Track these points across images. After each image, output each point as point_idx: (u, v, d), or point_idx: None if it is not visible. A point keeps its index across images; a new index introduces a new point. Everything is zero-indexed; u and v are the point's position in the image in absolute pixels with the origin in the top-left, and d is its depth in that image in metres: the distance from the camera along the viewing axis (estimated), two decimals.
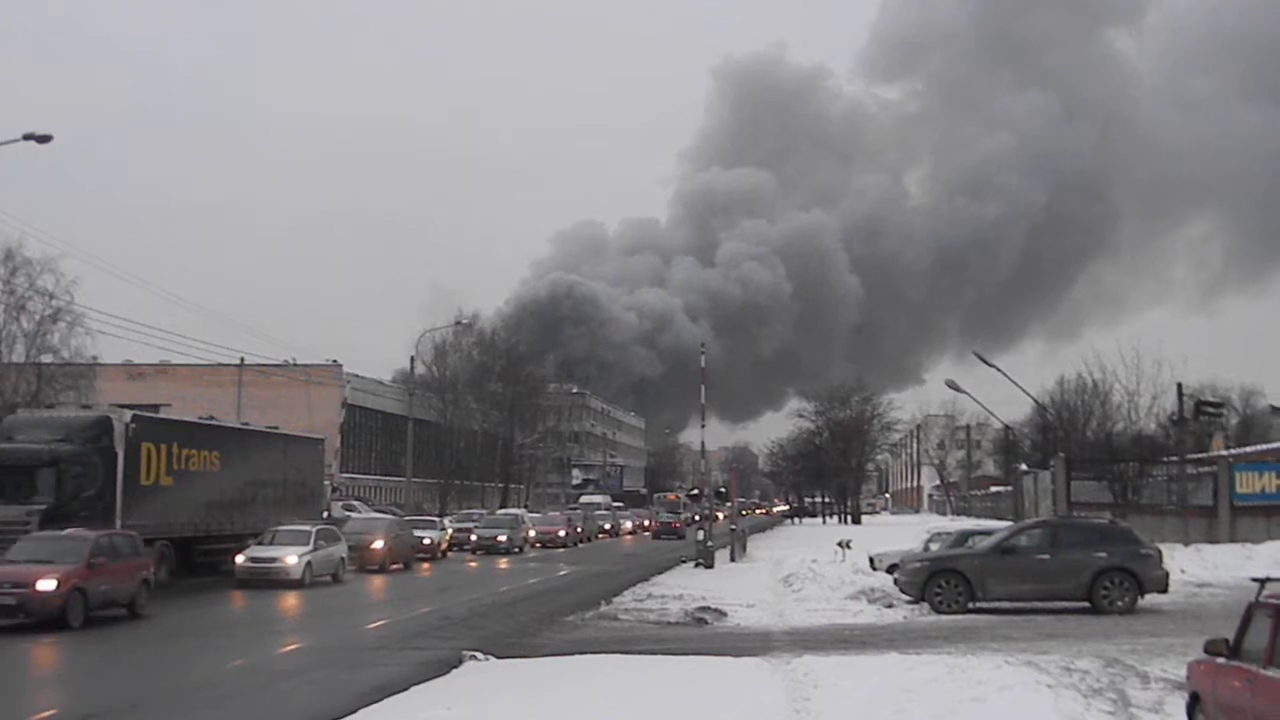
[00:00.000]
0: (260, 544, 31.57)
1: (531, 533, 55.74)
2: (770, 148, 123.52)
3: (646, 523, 79.25)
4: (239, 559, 30.91)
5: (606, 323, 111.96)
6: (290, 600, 27.61)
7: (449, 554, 46.10)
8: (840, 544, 35.14)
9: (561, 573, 37.28)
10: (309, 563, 30.80)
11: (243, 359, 67.00)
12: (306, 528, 32.30)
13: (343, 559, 33.10)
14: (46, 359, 47.17)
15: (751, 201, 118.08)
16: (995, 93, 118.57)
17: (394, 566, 37.29)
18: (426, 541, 43.01)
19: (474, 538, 49.31)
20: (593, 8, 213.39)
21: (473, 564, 42.51)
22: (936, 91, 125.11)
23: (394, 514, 56.97)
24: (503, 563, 43.15)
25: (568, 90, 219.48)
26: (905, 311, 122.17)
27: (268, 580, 29.94)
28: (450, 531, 49.30)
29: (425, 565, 40.11)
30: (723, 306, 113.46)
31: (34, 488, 27.79)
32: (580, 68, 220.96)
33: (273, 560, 30.51)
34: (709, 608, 23.67)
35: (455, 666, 16.14)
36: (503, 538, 49.25)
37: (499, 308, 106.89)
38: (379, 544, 37.04)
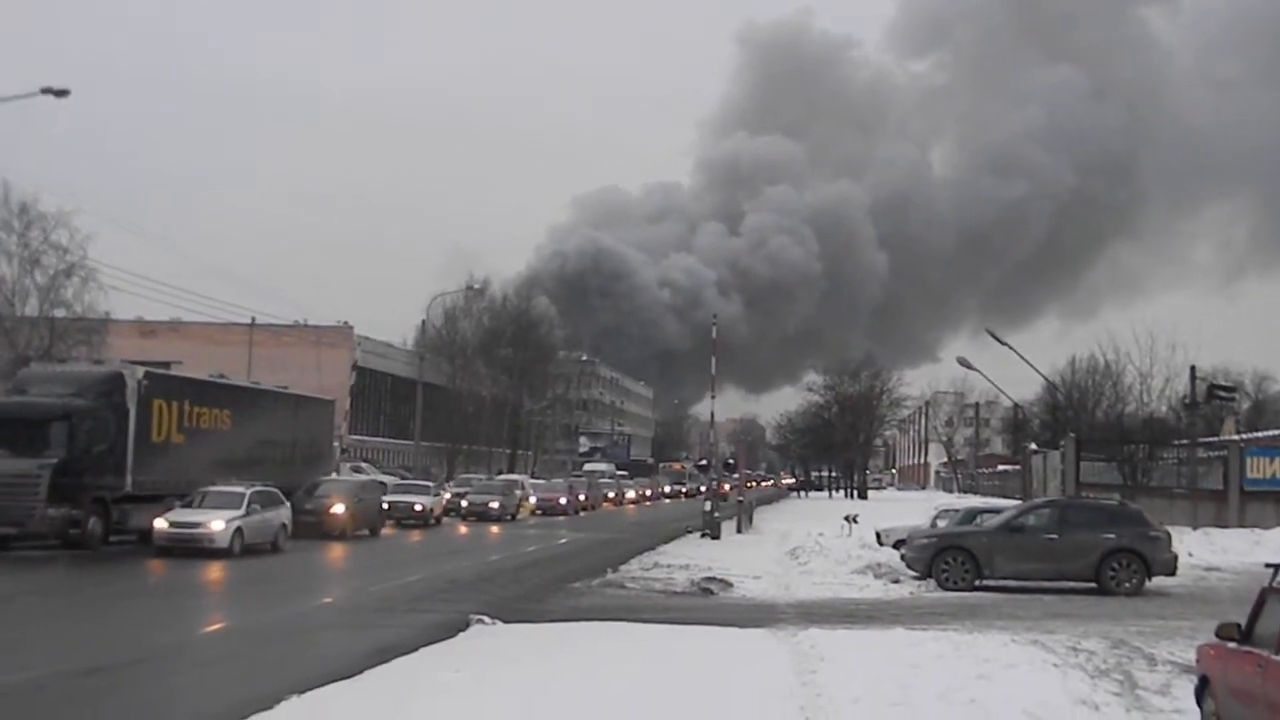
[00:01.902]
0: (187, 506, 28.75)
1: (532, 499, 54.82)
2: (793, 116, 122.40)
3: (649, 492, 79.29)
4: (158, 522, 27.95)
5: (635, 291, 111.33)
6: (206, 573, 24.60)
7: (443, 520, 44.45)
8: (847, 518, 35.21)
9: (561, 541, 37.06)
10: (239, 529, 27.86)
11: (254, 319, 67.33)
12: (240, 489, 29.13)
13: (284, 525, 30.28)
14: (59, 314, 47.22)
15: (778, 170, 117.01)
16: (1024, 68, 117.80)
17: (360, 533, 35.23)
18: (418, 507, 41.58)
19: (465, 504, 47.68)
20: None
21: (463, 530, 41.95)
22: (963, 64, 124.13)
23: (403, 475, 57.22)
24: (495, 530, 42.30)
25: (584, 55, 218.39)
26: (925, 289, 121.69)
27: (190, 549, 27.03)
28: (447, 497, 47.97)
29: (416, 533, 38.95)
30: (750, 281, 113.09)
31: (46, 442, 27.88)
32: (597, 32, 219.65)
33: (195, 526, 27.57)
34: (715, 578, 23.72)
35: (462, 630, 16.17)
36: (495, 504, 47.50)
37: (519, 271, 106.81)
38: (339, 508, 34.61)
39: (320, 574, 26.82)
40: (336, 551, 31.10)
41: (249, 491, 29.12)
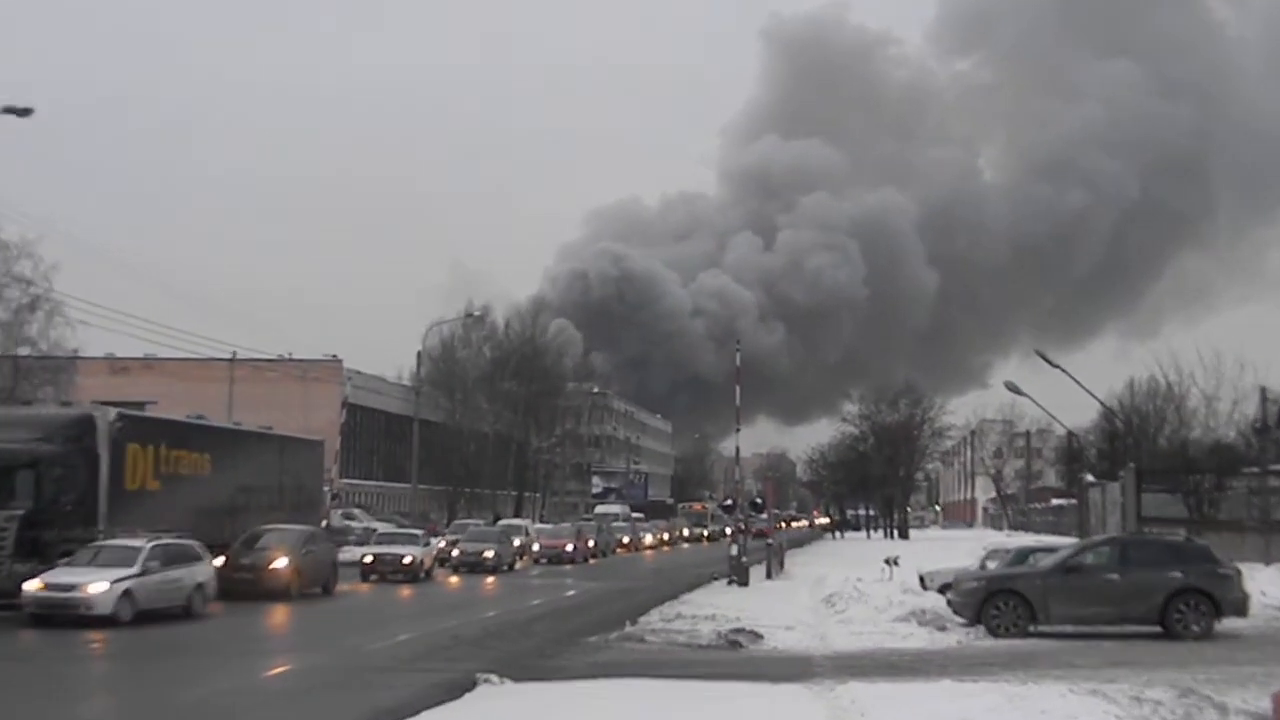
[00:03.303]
0: (71, 563, 25.99)
1: (536, 546, 54.32)
2: (825, 119, 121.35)
3: (668, 535, 79.02)
4: (30, 585, 25.11)
5: (662, 317, 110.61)
6: (84, 645, 22.27)
7: (435, 573, 42.88)
8: (887, 561, 35.14)
9: (569, 593, 36.83)
10: (127, 591, 24.88)
11: (235, 353, 67.41)
12: (137, 543, 26.36)
13: (202, 585, 27.57)
14: (23, 351, 47.49)
15: (813, 178, 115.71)
16: (1078, 63, 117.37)
17: (310, 591, 32.79)
18: (407, 560, 40.14)
19: (455, 553, 46.22)
20: None
21: (456, 583, 41.09)
22: (1011, 60, 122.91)
23: (398, 522, 57.30)
24: (491, 582, 41.51)
25: (592, 56, 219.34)
26: (975, 308, 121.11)
27: (66, 616, 24.34)
28: (440, 545, 46.93)
29: (405, 588, 37.94)
30: (790, 308, 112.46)
31: (11, 491, 27.97)
32: (606, 29, 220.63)
33: (70, 589, 24.64)
34: (744, 629, 23.71)
35: (469, 690, 16.23)
36: (490, 553, 46.07)
37: (530, 294, 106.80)
38: (281, 563, 31.93)
39: (253, 640, 24.89)
40: (278, 615, 28.98)
41: (148, 546, 26.29)
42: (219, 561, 30.42)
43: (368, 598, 35.23)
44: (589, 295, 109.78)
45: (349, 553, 42.67)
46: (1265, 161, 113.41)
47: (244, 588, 30.90)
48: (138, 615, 25.06)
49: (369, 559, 40.19)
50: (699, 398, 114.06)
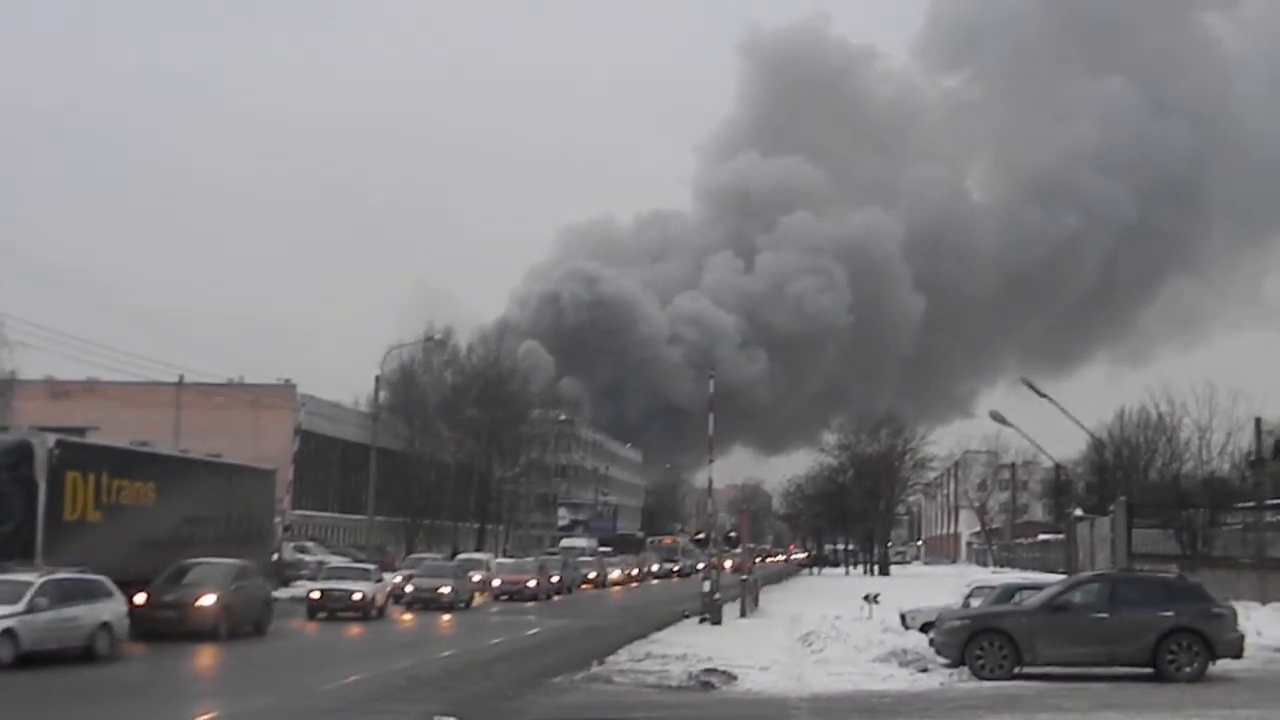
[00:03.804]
0: None
1: (495, 582, 54.02)
2: (805, 137, 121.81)
3: (636, 571, 78.80)
4: None
5: (637, 344, 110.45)
6: None
7: (389, 610, 42.30)
8: (867, 598, 35.12)
9: (531, 631, 36.49)
10: (7, 631, 23.70)
11: (181, 377, 67.16)
12: (26, 578, 25.19)
13: (107, 624, 26.12)
14: None
15: (794, 197, 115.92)
16: (1069, 81, 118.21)
17: (242, 630, 31.57)
18: (358, 596, 39.27)
19: (409, 589, 45.77)
20: None
21: (410, 621, 40.55)
22: (1000, 77, 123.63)
23: (354, 556, 57.03)
24: (447, 620, 41.04)
25: (561, 68, 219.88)
26: (961, 334, 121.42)
27: None
28: (395, 581, 46.62)
29: (354, 626, 37.26)
30: (771, 335, 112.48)
31: None
32: (575, 43, 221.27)
33: None
34: (717, 670, 23.61)
35: None
36: (445, 589, 45.44)
37: (498, 315, 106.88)
38: (208, 600, 30.82)
39: (172, 684, 23.86)
40: (205, 656, 27.83)
41: (39, 580, 25.04)
42: (140, 598, 29.85)
43: (314, 636, 34.79)
44: (561, 320, 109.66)
45: (302, 587, 42.34)
46: (1261, 185, 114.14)
47: (167, 627, 29.96)
48: (24, 657, 23.77)
49: (316, 595, 39.48)
50: (675, 426, 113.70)
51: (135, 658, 26.78)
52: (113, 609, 26.70)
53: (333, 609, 38.96)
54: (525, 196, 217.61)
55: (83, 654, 25.23)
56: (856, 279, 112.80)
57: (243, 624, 31.81)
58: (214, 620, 30.58)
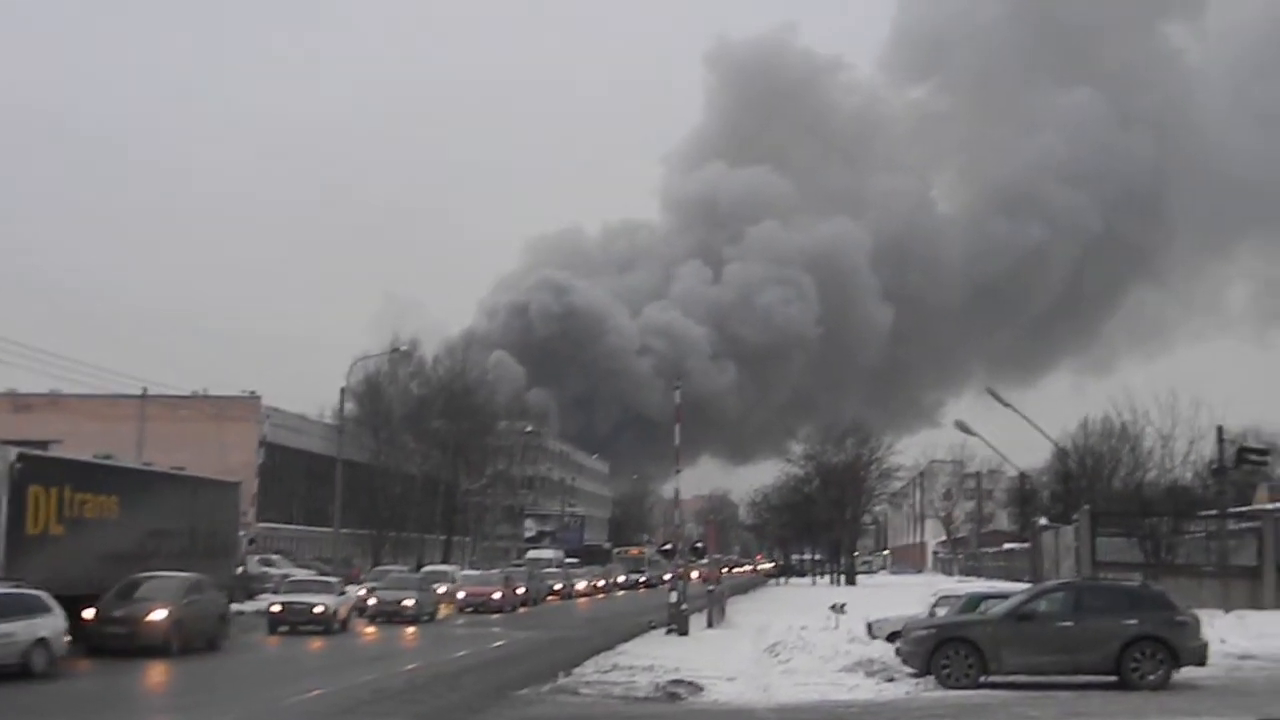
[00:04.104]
0: None
1: (461, 594, 53.71)
2: (772, 147, 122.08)
3: (602, 582, 78.64)
4: None
5: (607, 355, 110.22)
6: None
7: (352, 623, 41.79)
8: (833, 608, 35.17)
9: (497, 643, 36.25)
10: None
11: (146, 389, 66.75)
12: None
13: (43, 640, 25.21)
14: None
15: (762, 208, 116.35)
16: (1035, 92, 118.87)
17: (194, 647, 30.65)
18: (319, 609, 38.51)
19: (372, 601, 45.11)
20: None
21: (374, 634, 40.08)
22: (966, 88, 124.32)
23: (318, 569, 56.80)
24: (412, 632, 40.68)
25: (525, 78, 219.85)
26: (928, 344, 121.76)
27: None
28: (361, 593, 46.21)
29: (316, 640, 36.57)
30: (740, 347, 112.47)
31: None
32: (542, 52, 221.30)
33: None
34: (683, 680, 23.61)
35: None
36: (409, 602, 44.90)
37: (465, 326, 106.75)
38: (159, 614, 29.88)
39: (120, 701, 23.29)
40: (155, 672, 26.93)
41: None
42: (89, 613, 29.43)
43: (274, 651, 34.38)
44: (530, 331, 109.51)
45: (267, 601, 42.06)
46: (1223, 195, 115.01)
47: (117, 643, 29.22)
48: None
49: (277, 608, 38.87)
50: (644, 437, 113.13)
51: (80, 675, 26.25)
52: (51, 625, 25.87)
53: (294, 622, 38.41)
54: (492, 207, 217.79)
55: (18, 671, 24.45)
56: (824, 289, 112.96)
57: (196, 639, 30.99)
58: (165, 636, 29.71)
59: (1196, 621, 24.20)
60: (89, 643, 28.86)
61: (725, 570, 75.76)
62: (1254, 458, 47.75)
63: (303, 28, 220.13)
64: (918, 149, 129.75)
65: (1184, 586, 33.40)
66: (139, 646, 29.16)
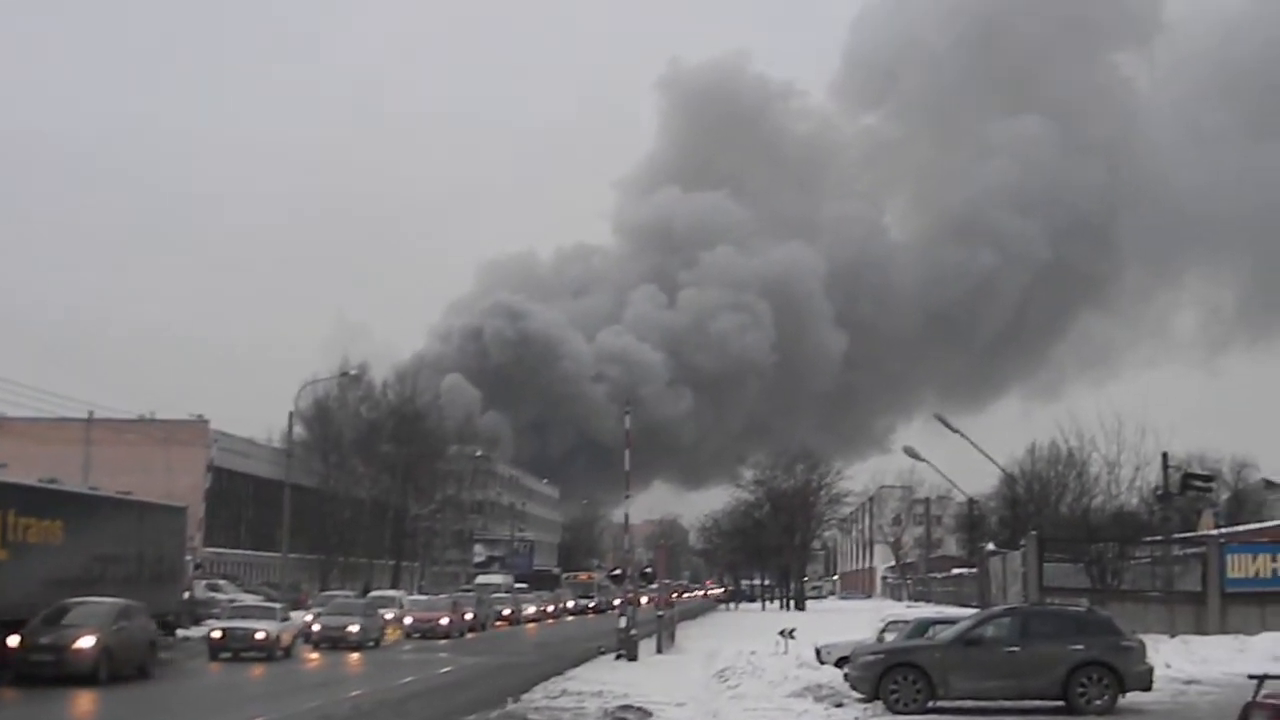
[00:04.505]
0: None
1: (407, 620, 53.15)
2: (724, 172, 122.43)
3: (551, 607, 78.36)
4: None
5: (561, 380, 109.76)
6: None
7: (297, 649, 41.31)
8: (783, 633, 35.21)
9: (444, 669, 35.88)
10: None
11: (92, 413, 66.31)
12: None
13: None
14: None
15: (716, 233, 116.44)
16: (987, 119, 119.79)
17: (125, 674, 29.97)
18: (261, 635, 37.95)
19: (317, 627, 44.40)
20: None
21: (318, 660, 39.60)
22: (917, 115, 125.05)
23: (266, 594, 56.41)
24: (357, 659, 40.23)
25: (476, 100, 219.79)
26: (880, 370, 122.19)
27: None
28: (304, 620, 45.58)
29: (257, 667, 36.04)
30: (695, 371, 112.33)
31: None
32: (493, 75, 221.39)
33: None
34: (632, 706, 23.56)
35: None
36: (354, 628, 44.13)
37: (417, 350, 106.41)
38: (87, 641, 29.07)
39: None
40: (83, 701, 26.29)
41: None
42: (14, 640, 28.93)
43: (214, 677, 33.92)
44: (485, 356, 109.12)
45: (208, 626, 41.64)
46: (1170, 223, 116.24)
47: (43, 670, 28.56)
48: None
49: (217, 634, 38.18)
50: (598, 463, 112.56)
51: (3, 704, 25.79)
52: None
53: (236, 649, 37.75)
54: (443, 231, 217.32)
55: None
56: (778, 315, 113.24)
57: (126, 667, 30.26)
58: (93, 663, 28.93)
59: (1142, 646, 24.36)
60: (16, 670, 28.41)
61: (675, 595, 75.76)
62: (1199, 484, 48.23)
63: (258, 51, 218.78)
64: (870, 175, 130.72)
65: (1130, 612, 33.56)
66: (66, 674, 28.51)
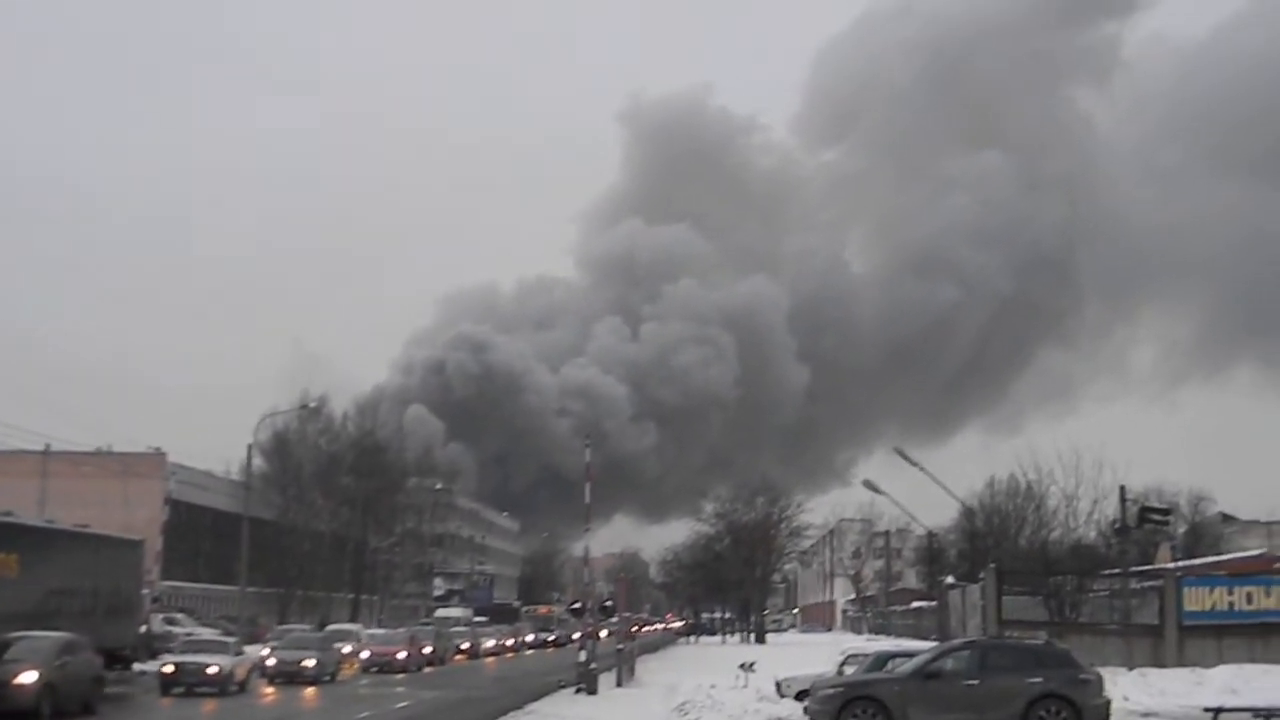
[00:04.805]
0: None
1: (365, 654, 52.44)
2: (686, 205, 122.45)
3: (511, 641, 77.98)
4: None
5: (524, 414, 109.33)
6: None
7: (250, 685, 40.54)
8: (743, 666, 35.21)
9: (401, 704, 35.38)
10: None
11: (48, 445, 65.75)
12: None
13: None
14: None
15: (679, 266, 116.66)
16: (947, 154, 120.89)
17: (68, 708, 29.40)
18: (213, 670, 37.25)
19: (272, 662, 43.66)
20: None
21: (271, 695, 39.08)
22: (878, 150, 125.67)
23: (223, 628, 55.98)
24: (312, 694, 39.67)
25: (435, 131, 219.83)
26: (843, 405, 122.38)
27: None
28: (264, 653, 45.02)
29: (209, 702, 35.53)
30: (658, 406, 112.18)
31: None
32: (451, 106, 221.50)
33: None
34: None
35: None
36: (309, 662, 43.38)
37: (378, 383, 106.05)
38: (28, 677, 28.32)
39: None
40: None
41: None
42: None
43: (163, 714, 33.48)
44: (448, 389, 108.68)
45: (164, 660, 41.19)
46: (1129, 258, 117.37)
47: None
48: None
49: (169, 669, 37.50)
50: (561, 496, 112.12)
51: None
52: None
53: (189, 684, 37.15)
54: (405, 262, 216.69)
55: None
56: (741, 348, 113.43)
57: (69, 703, 29.53)
58: (35, 698, 28.15)
59: (1099, 679, 24.51)
60: None
61: (635, 629, 75.54)
62: (1156, 517, 48.44)
63: (213, 78, 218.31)
64: (832, 210, 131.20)
65: (1088, 644, 33.73)
66: (7, 710, 27.88)
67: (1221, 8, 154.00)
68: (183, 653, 39.36)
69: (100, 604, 37.95)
